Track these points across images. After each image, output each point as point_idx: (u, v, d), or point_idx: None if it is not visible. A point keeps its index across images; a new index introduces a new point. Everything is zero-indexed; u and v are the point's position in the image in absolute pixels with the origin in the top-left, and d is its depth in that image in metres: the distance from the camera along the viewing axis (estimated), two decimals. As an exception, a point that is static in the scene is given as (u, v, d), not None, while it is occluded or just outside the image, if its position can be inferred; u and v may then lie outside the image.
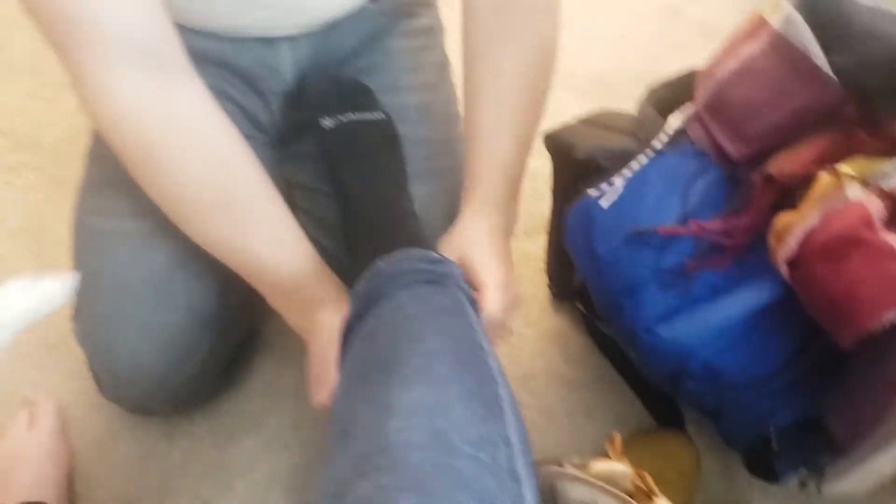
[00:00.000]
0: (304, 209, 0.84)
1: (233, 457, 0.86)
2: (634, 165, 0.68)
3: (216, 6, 0.77)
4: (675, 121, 0.69)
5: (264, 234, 0.68)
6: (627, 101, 1.30)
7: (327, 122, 0.73)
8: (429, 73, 0.88)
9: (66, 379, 0.92)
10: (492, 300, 0.64)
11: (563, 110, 1.27)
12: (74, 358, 0.93)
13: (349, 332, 0.54)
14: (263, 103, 0.87)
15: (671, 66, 1.37)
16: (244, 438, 0.87)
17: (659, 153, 0.68)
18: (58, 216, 1.08)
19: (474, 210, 0.73)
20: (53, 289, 0.69)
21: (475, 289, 0.64)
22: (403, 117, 0.81)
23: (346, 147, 0.73)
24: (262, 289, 0.71)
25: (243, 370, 0.93)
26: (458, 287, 0.53)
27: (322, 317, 0.68)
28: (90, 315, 0.77)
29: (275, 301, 0.72)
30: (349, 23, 0.86)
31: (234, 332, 0.86)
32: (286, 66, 0.85)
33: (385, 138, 0.76)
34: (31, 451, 0.79)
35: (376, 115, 0.76)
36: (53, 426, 0.83)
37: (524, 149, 0.75)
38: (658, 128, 0.70)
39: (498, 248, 0.71)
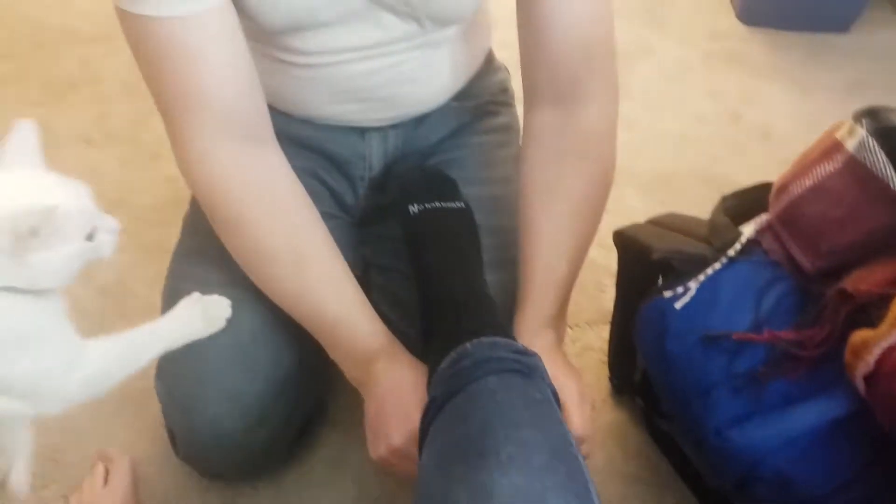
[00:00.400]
0: (378, 286, 0.88)
1: (292, 527, 0.88)
2: (708, 270, 0.70)
3: (316, 98, 0.85)
4: (748, 230, 0.72)
5: (328, 290, 0.74)
6: (688, 199, 1.35)
7: (414, 209, 0.79)
8: (504, 168, 0.94)
9: (141, 436, 0.95)
10: (576, 415, 0.67)
11: (624, 205, 1.32)
12: (151, 415, 0.97)
13: (435, 409, 0.56)
14: (350, 186, 0.93)
15: (731, 168, 1.42)
16: (305, 509, 0.89)
17: (732, 260, 0.71)
18: (143, 278, 1.14)
19: (532, 328, 0.75)
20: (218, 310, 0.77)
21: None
22: (479, 207, 0.85)
23: (430, 231, 0.78)
24: (324, 339, 0.76)
25: (309, 443, 0.95)
26: (543, 381, 0.56)
27: (376, 369, 0.72)
28: (174, 376, 0.81)
29: (334, 352, 0.77)
30: (435, 118, 0.93)
31: (306, 403, 0.89)
32: (375, 154, 0.92)
33: (465, 226, 0.81)
34: (104, 506, 0.82)
35: (458, 205, 0.81)
36: (127, 483, 0.86)
37: (577, 267, 0.79)
38: (731, 235, 0.73)
39: (563, 362, 0.73)
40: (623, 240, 0.87)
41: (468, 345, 0.59)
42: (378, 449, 0.70)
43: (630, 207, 1.32)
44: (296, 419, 0.88)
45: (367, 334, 0.74)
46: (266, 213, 0.73)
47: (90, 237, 0.59)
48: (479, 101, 0.97)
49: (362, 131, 0.90)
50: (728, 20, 1.92)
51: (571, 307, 1.02)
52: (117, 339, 0.70)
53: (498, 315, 0.72)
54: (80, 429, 0.97)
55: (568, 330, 1.09)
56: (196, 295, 0.77)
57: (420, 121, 0.92)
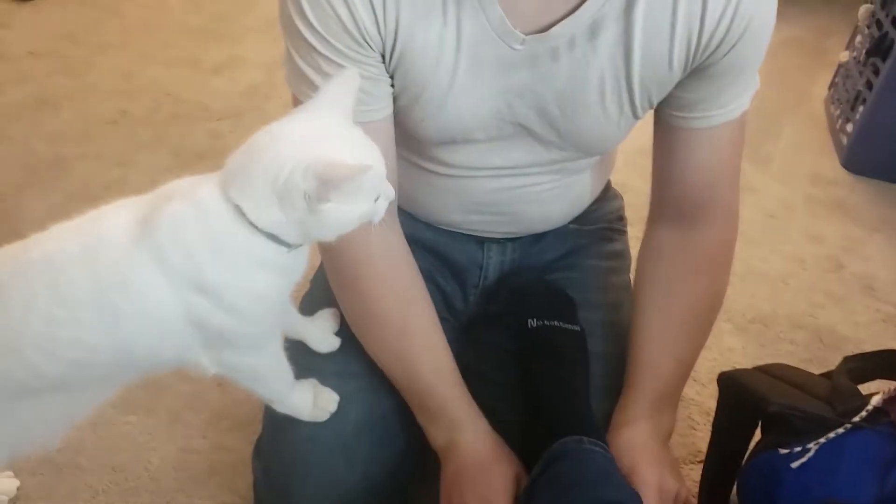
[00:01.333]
0: (474, 393, 0.90)
1: None
2: (830, 434, 0.69)
3: (446, 206, 0.89)
4: (875, 398, 0.71)
5: (427, 359, 0.80)
6: (787, 345, 1.32)
7: (533, 323, 0.81)
8: (616, 294, 0.95)
9: (227, 509, 0.97)
10: (652, 499, 0.70)
11: (721, 342, 1.31)
12: (238, 489, 0.99)
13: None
14: (462, 292, 0.96)
15: (833, 319, 1.39)
16: None
17: (857, 427, 0.69)
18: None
19: (634, 417, 0.78)
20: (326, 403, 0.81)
21: (637, 489, 0.70)
22: (590, 332, 0.87)
23: (545, 350, 0.80)
24: (415, 403, 0.81)
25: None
26: None
27: (460, 439, 0.78)
28: (274, 457, 0.83)
29: (422, 417, 0.81)
30: (552, 237, 0.96)
31: (399, 498, 0.89)
32: (492, 265, 0.95)
33: (579, 350, 0.82)
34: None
35: (575, 328, 0.82)
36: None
37: (685, 370, 0.83)
38: (856, 401, 0.71)
39: (656, 454, 0.76)
40: (729, 383, 0.86)
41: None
42: None
43: (727, 346, 1.31)
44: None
45: (457, 406, 0.79)
46: (381, 280, 0.80)
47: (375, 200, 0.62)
48: (596, 226, 1.00)
49: (482, 241, 0.94)
50: (831, 165, 1.92)
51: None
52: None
53: (605, 443, 0.73)
54: (168, 491, 0.99)
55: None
56: (313, 381, 0.80)
57: (538, 238, 0.96)
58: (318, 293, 0.92)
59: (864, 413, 0.69)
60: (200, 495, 0.99)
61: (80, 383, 0.67)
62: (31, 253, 0.63)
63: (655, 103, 0.77)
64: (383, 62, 0.72)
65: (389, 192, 0.63)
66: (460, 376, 0.82)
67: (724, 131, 0.77)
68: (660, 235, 0.85)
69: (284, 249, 0.62)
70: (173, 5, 2.27)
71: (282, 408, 0.79)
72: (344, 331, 0.86)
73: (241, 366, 0.71)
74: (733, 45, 0.70)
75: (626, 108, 0.75)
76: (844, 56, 2.08)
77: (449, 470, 0.78)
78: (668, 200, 0.84)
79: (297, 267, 0.67)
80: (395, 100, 0.76)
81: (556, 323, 0.81)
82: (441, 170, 0.84)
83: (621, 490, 0.66)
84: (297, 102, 0.75)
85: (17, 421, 0.67)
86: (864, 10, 2.00)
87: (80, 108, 1.86)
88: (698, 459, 1.06)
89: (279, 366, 0.75)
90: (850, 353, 0.84)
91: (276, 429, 0.84)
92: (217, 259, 0.61)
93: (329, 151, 0.57)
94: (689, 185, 0.81)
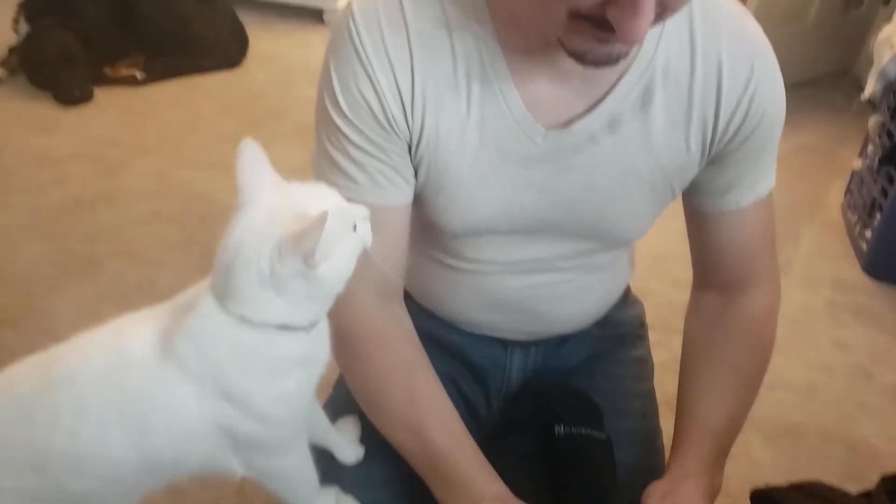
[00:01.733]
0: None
1: None
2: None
3: (467, 303, 0.90)
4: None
5: (438, 425, 0.79)
6: (819, 458, 1.28)
7: (560, 430, 0.80)
8: (640, 402, 0.94)
9: None
10: None
11: (750, 454, 1.28)
12: None
13: None
14: (485, 397, 0.96)
15: (865, 430, 1.36)
16: None
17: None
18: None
19: (684, 475, 0.76)
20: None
21: None
22: (616, 441, 0.85)
23: (572, 457, 0.78)
24: (430, 477, 0.78)
25: None
26: None
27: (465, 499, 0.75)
28: None
29: (440, 492, 0.78)
30: (576, 340, 0.97)
31: None
32: (515, 368, 0.95)
33: (606, 459, 0.81)
34: None
35: (602, 435, 0.81)
36: None
37: (737, 427, 0.82)
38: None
39: None
40: (764, 502, 0.83)
41: None
42: None
43: (756, 458, 1.28)
44: None
45: (475, 477, 0.76)
46: (384, 350, 0.81)
47: (354, 228, 0.61)
48: (617, 332, 1.00)
49: (505, 344, 0.95)
50: (852, 271, 1.93)
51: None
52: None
53: None
54: None
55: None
56: (335, 489, 0.79)
57: (562, 341, 0.96)
58: (342, 399, 0.92)
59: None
60: None
61: (105, 496, 0.67)
62: (54, 368, 0.64)
63: (678, 191, 0.80)
64: (409, 152, 0.75)
65: (361, 212, 0.63)
66: (473, 441, 0.80)
67: (755, 210, 0.80)
68: (705, 299, 0.88)
69: (303, 333, 0.62)
70: (208, 112, 2.39)
71: None
72: (368, 438, 0.85)
73: (271, 469, 0.70)
74: (750, 133, 0.73)
75: (649, 196, 0.78)
76: (858, 164, 2.13)
77: None
78: (708, 273, 0.87)
79: (320, 355, 0.68)
80: (418, 188, 0.78)
81: (583, 430, 0.80)
82: (464, 265, 0.86)
83: None
84: None
85: None
86: (874, 120, 2.06)
87: (116, 208, 1.93)
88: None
89: (307, 468, 0.74)
90: (886, 468, 0.82)
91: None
92: (240, 368, 0.62)
93: (286, 222, 0.57)
94: (726, 262, 0.84)
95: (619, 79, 0.71)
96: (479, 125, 0.73)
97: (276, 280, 0.57)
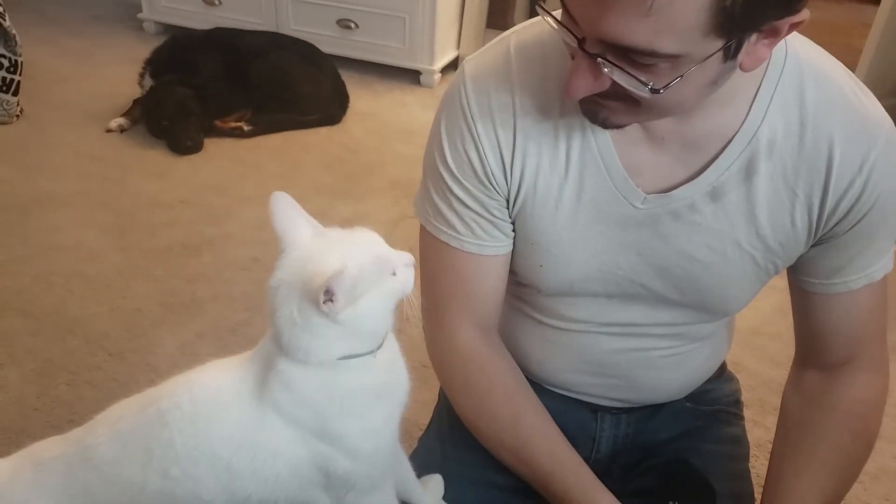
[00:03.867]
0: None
1: None
2: None
3: (560, 363, 0.90)
4: None
5: (543, 445, 0.83)
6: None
7: None
8: (737, 484, 0.91)
9: None
10: None
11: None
12: None
13: None
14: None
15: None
16: None
17: None
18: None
19: None
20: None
21: None
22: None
23: None
24: (541, 490, 0.83)
25: None
26: None
27: None
28: None
29: (544, 494, 0.83)
30: (668, 413, 0.95)
31: None
32: (604, 438, 0.94)
33: None
34: None
35: None
36: None
37: None
38: None
39: None
40: None
41: None
42: None
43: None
44: None
45: (581, 487, 0.80)
46: (487, 378, 0.84)
47: (393, 274, 0.64)
48: (712, 408, 0.98)
49: (595, 410, 0.94)
50: None
51: None
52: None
53: None
54: None
55: None
56: None
57: (654, 413, 0.94)
58: (425, 453, 0.93)
59: None
60: None
61: None
62: (148, 409, 0.68)
63: (782, 267, 0.79)
64: (507, 206, 0.78)
65: (405, 259, 0.66)
66: (581, 460, 0.83)
67: (866, 293, 0.77)
68: (806, 377, 0.85)
69: (370, 358, 0.65)
70: (309, 165, 2.51)
71: None
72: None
73: None
74: (864, 216, 0.71)
75: (750, 269, 0.77)
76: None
77: None
78: (812, 352, 0.85)
79: (398, 382, 0.71)
80: (515, 244, 0.81)
81: None
82: (559, 323, 0.87)
83: None
84: (423, 233, 0.83)
85: None
86: None
87: (219, 253, 2.04)
88: None
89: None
90: None
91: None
92: (330, 404, 0.65)
93: (317, 268, 0.61)
94: (832, 344, 0.81)
95: (722, 149, 0.72)
96: (578, 186, 0.75)
97: (306, 323, 0.61)
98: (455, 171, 0.77)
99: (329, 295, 0.59)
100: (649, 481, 0.84)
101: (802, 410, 0.84)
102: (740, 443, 0.97)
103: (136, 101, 2.68)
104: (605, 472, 0.93)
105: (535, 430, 0.83)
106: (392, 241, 0.80)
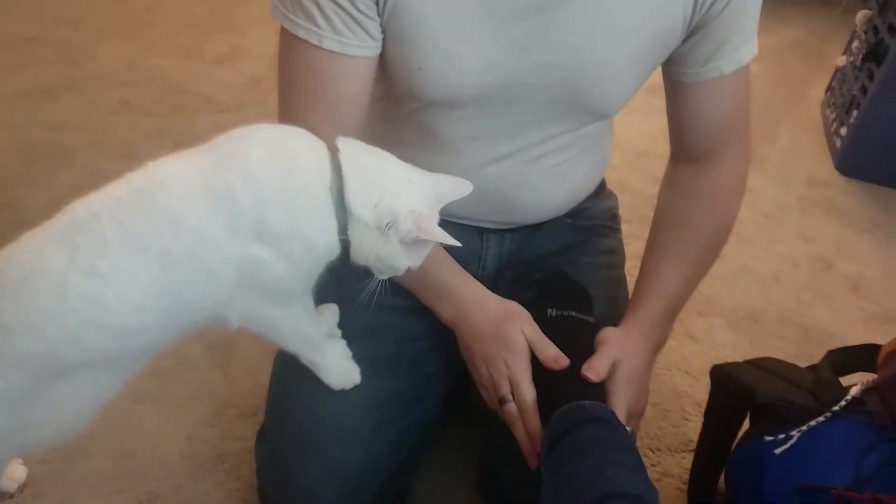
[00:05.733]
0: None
1: None
2: (812, 422, 0.72)
3: None
4: (854, 389, 0.73)
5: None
6: (776, 340, 1.35)
7: (552, 312, 0.83)
8: (611, 289, 0.98)
9: (230, 496, 0.99)
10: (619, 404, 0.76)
11: (714, 337, 1.34)
12: (243, 477, 1.01)
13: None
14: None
15: (820, 316, 1.42)
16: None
17: (836, 416, 0.72)
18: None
19: (634, 324, 0.84)
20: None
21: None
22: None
23: (562, 337, 0.80)
24: (419, 287, 0.88)
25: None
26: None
27: (465, 305, 0.84)
28: (279, 440, 0.85)
29: (428, 296, 0.88)
30: (548, 230, 0.99)
31: (399, 480, 0.91)
32: (490, 255, 0.98)
33: (591, 339, 0.84)
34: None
35: (590, 318, 0.84)
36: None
37: (690, 289, 0.90)
38: (837, 392, 0.74)
39: (640, 368, 0.81)
40: (721, 376, 0.89)
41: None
42: (480, 370, 0.81)
43: (720, 341, 1.34)
44: (388, 496, 0.90)
45: (458, 281, 0.86)
46: None
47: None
48: (590, 223, 1.02)
49: (481, 232, 0.96)
50: (826, 168, 1.96)
51: (653, 431, 1.02)
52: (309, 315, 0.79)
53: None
54: (176, 477, 1.02)
55: (648, 453, 1.10)
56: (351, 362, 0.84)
57: (535, 230, 0.98)
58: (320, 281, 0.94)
59: (843, 403, 0.72)
60: (208, 482, 1.01)
61: (118, 355, 0.68)
62: (73, 212, 0.64)
63: (658, 62, 0.82)
64: (376, 4, 0.73)
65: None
66: (458, 265, 0.88)
67: (734, 79, 0.82)
68: (677, 171, 0.92)
69: (336, 242, 0.68)
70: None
71: (307, 361, 0.81)
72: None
73: (264, 318, 0.73)
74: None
75: (629, 61, 0.79)
76: (842, 60, 2.11)
77: (463, 337, 0.83)
78: (684, 144, 0.90)
79: None
80: (391, 47, 0.77)
81: (572, 313, 0.83)
82: (438, 146, 0.86)
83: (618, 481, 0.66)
84: (282, 34, 0.77)
85: (52, 402, 0.67)
86: (861, 15, 2.03)
87: (81, 96, 1.87)
88: (690, 448, 1.09)
89: (303, 323, 0.78)
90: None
91: (281, 411, 0.86)
92: (288, 209, 0.65)
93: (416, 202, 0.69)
94: (702, 133, 0.87)
95: None
96: None
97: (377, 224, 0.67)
98: None
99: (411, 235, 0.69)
100: (532, 294, 0.89)
101: (671, 202, 0.92)
102: (616, 253, 1.03)
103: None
104: (493, 287, 0.97)
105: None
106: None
